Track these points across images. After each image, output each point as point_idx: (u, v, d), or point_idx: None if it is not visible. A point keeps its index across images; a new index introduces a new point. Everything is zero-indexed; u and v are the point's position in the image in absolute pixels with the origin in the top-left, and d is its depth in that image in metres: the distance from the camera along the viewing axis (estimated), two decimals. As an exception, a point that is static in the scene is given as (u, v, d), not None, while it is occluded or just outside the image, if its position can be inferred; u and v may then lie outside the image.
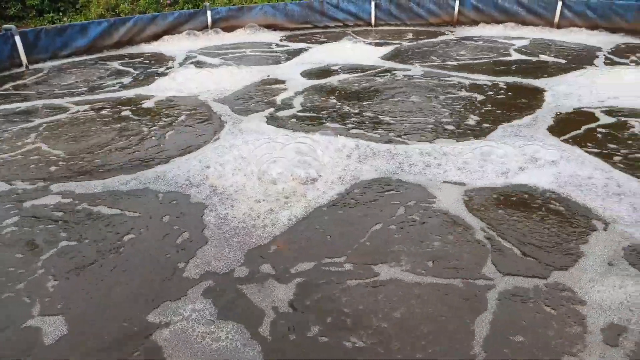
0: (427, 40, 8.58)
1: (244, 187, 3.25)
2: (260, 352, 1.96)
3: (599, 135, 4.10)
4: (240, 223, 2.86)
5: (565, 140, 3.97)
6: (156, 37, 9.04)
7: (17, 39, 6.88)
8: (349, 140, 3.97)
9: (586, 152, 3.74)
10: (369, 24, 10.35)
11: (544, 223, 2.81)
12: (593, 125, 4.33)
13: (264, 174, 3.34)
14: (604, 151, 3.75)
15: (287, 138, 3.84)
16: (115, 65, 7.41)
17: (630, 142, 3.93)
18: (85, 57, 7.92)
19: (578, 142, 3.95)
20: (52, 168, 3.76)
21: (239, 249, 2.62)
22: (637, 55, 6.90)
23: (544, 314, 2.12)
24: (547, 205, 2.99)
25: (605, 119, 4.44)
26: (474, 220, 2.85)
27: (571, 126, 4.31)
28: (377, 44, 8.28)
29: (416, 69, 6.51)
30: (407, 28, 10.02)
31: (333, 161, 3.58)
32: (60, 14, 13.51)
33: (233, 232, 2.78)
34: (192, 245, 2.68)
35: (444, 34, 9.23)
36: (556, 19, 8.74)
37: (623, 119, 4.44)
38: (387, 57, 7.30)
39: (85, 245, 2.72)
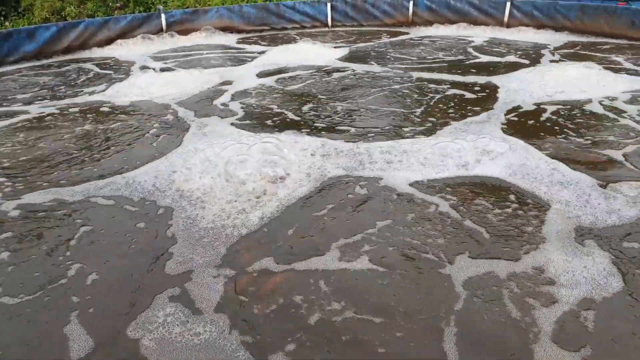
0: (383, 41, 8.75)
1: (212, 189, 3.24)
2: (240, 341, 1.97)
3: (546, 127, 4.30)
4: (210, 224, 2.85)
5: (516, 134, 4.15)
6: (109, 41, 8.81)
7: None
8: (312, 139, 4.01)
9: (534, 144, 3.92)
10: (326, 25, 10.44)
11: (500, 209, 2.94)
12: (542, 118, 4.54)
13: (232, 175, 3.33)
14: (549, 143, 3.95)
15: (252, 139, 3.85)
16: (69, 71, 7.18)
17: (573, 133, 4.15)
18: (35, 63, 7.64)
19: (527, 135, 4.13)
20: (7, 175, 3.63)
21: (210, 248, 2.62)
22: (579, 52, 7.28)
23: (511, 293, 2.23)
24: (501, 193, 3.13)
25: (552, 113, 4.67)
26: (439, 204, 2.95)
27: (521, 120, 4.51)
28: (334, 45, 8.37)
29: (373, 69, 6.63)
30: (363, 29, 10.17)
31: (299, 159, 3.62)
32: (2, 18, 12.94)
33: (203, 232, 2.77)
34: (161, 247, 2.65)
35: (400, 34, 9.43)
36: (506, 19, 9.09)
37: (568, 112, 4.68)
38: (344, 58, 7.40)
39: (46, 252, 2.65)
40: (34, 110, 5.27)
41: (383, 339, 2.02)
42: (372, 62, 7.04)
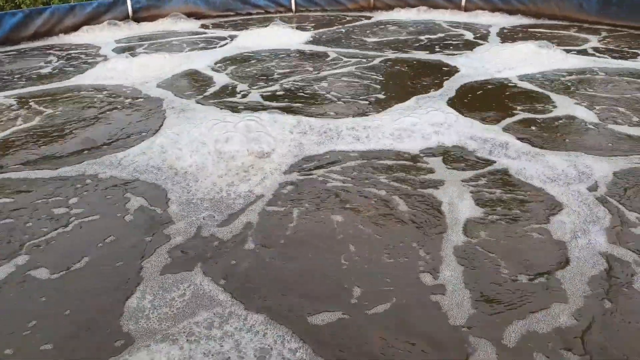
0: (347, 25, 9.08)
1: (204, 165, 3.53)
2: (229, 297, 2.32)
3: (493, 102, 4.77)
4: (207, 195, 3.15)
5: (466, 108, 4.60)
6: (75, 27, 8.80)
7: None
8: (289, 117, 4.34)
9: (483, 118, 4.37)
10: (290, 10, 10.68)
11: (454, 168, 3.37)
12: (490, 93, 5.02)
13: (221, 152, 3.63)
14: (499, 116, 4.41)
15: (235, 118, 4.14)
16: (40, 57, 7.21)
17: (520, 105, 4.63)
18: (2, 50, 7.61)
19: (476, 108, 4.59)
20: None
21: (209, 219, 2.94)
22: (529, 31, 7.83)
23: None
24: (451, 155, 3.57)
25: (501, 87, 5.15)
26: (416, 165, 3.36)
27: (472, 94, 4.97)
28: (299, 29, 8.65)
29: (338, 50, 6.97)
30: (327, 14, 10.46)
31: (280, 136, 3.94)
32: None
33: (200, 203, 3.07)
34: (162, 218, 2.95)
35: (363, 17, 9.78)
36: (463, 2, 9.56)
37: (517, 86, 5.17)
38: (309, 41, 7.70)
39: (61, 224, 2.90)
40: (5, 96, 5.38)
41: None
42: (336, 45, 7.37)
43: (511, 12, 9.12)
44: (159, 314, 2.19)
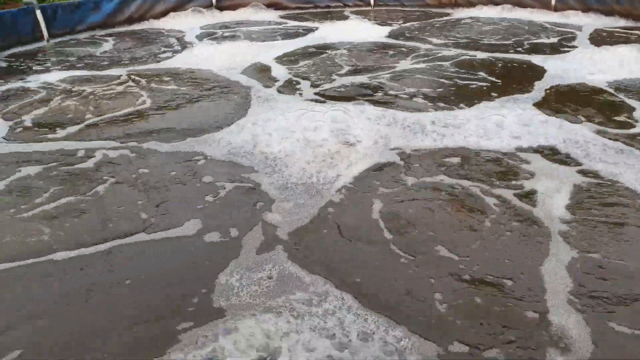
0: (427, 21, 8.95)
1: (292, 152, 3.62)
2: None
3: (584, 105, 4.55)
4: (300, 180, 3.24)
5: (555, 110, 4.42)
6: (164, 13, 9.23)
7: (39, 13, 7.06)
8: (373, 109, 4.36)
9: (573, 120, 4.18)
10: (368, 5, 10.65)
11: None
12: (581, 96, 4.79)
13: (309, 140, 3.71)
14: (590, 119, 4.21)
15: (322, 107, 4.21)
16: (132, 40, 7.63)
17: (612, 110, 4.40)
18: (102, 32, 8.13)
19: (566, 110, 4.40)
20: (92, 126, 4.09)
21: (304, 201, 3.02)
22: (627, 34, 7.38)
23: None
24: (541, 155, 3.44)
25: (593, 91, 4.90)
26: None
27: (562, 96, 4.77)
28: (377, 23, 8.62)
29: (418, 45, 6.89)
30: (406, 9, 10.35)
31: (366, 127, 3.97)
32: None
33: (294, 187, 3.17)
34: (261, 200, 3.06)
35: (443, 15, 9.60)
36: (553, 1, 9.13)
37: (611, 93, 4.91)
38: (389, 36, 7.66)
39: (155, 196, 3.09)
40: (102, 75, 5.73)
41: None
42: (420, 40, 7.28)
43: (607, 13, 8.61)
44: (248, 291, 2.29)
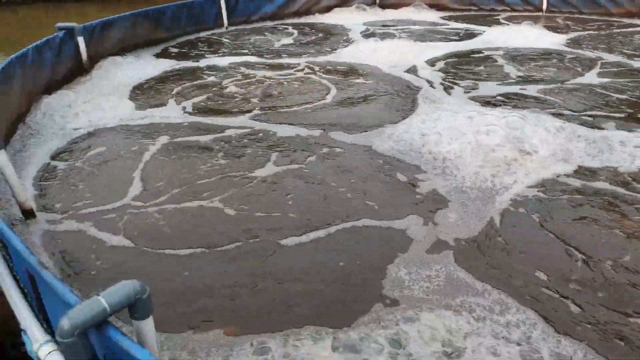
0: (610, 31, 8.08)
1: (462, 154, 3.48)
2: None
3: None
4: (474, 184, 3.12)
5: None
6: (328, 9, 9.55)
7: (222, 3, 7.74)
8: (551, 119, 4.03)
9: None
10: (539, 10, 9.92)
11: None
12: None
13: (480, 144, 3.54)
14: None
15: (495, 111, 4.00)
16: (302, 32, 8.02)
17: None
18: (273, 23, 8.69)
19: None
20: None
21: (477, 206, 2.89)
22: None
23: None
24: None
25: None
26: None
27: None
28: (550, 30, 7.98)
29: (604, 56, 6.24)
30: (583, 17, 9.46)
31: (544, 137, 3.68)
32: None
33: (469, 191, 3.06)
34: (435, 198, 3.00)
35: (630, 25, 8.58)
36: None
37: None
38: (569, 44, 7.04)
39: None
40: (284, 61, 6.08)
41: None
42: (603, 50, 6.59)
43: None
44: (420, 286, 2.24)
